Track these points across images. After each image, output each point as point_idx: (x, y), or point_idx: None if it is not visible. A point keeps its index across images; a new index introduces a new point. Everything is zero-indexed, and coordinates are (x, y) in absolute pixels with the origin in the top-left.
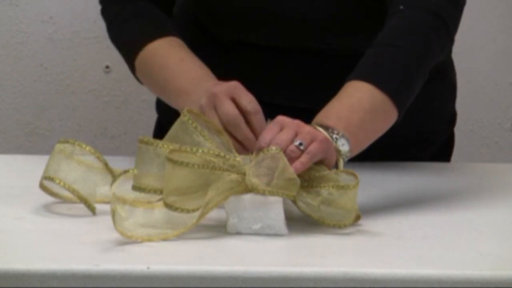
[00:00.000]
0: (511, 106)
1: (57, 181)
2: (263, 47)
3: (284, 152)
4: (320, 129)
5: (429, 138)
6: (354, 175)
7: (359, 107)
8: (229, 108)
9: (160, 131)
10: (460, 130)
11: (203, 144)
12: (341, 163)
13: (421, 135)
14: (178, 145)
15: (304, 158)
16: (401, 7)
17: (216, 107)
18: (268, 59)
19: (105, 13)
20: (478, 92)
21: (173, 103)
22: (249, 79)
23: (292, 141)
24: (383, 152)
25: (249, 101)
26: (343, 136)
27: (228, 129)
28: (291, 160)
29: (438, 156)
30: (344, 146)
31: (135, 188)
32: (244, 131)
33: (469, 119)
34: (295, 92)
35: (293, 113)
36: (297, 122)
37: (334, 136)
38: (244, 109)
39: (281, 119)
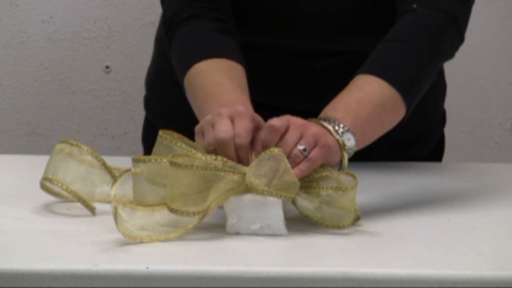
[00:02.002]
0: (511, 106)
1: (55, 182)
2: (271, 49)
3: (288, 155)
4: (326, 123)
5: (427, 136)
6: (353, 176)
7: (368, 101)
8: (223, 128)
9: (150, 129)
10: (460, 130)
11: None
12: (345, 160)
13: (421, 133)
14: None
15: (303, 166)
16: (414, 5)
17: (214, 124)
18: (275, 61)
19: (167, 35)
20: (478, 92)
21: None
22: (257, 81)
23: (296, 144)
24: (384, 151)
25: (238, 133)
26: (349, 130)
27: (216, 148)
28: (293, 164)
29: (434, 154)
30: (350, 141)
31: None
32: (229, 156)
33: (469, 119)
34: (302, 95)
35: (300, 116)
36: (302, 122)
37: (340, 130)
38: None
39: (288, 117)
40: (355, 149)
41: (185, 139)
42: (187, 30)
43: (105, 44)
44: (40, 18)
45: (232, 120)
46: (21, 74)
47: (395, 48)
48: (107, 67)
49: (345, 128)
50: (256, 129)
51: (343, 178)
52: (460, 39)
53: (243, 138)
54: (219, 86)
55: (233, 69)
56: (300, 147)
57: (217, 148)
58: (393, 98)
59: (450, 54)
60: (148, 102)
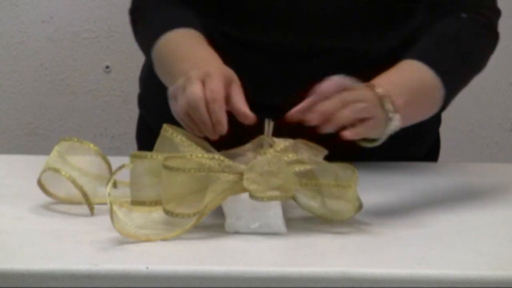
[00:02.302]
0: (511, 106)
1: (63, 172)
2: (269, 48)
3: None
4: (385, 95)
5: (423, 136)
6: (351, 170)
7: (413, 84)
8: (194, 90)
9: (144, 127)
10: (460, 130)
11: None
12: (383, 137)
13: (418, 133)
14: (172, 154)
15: (360, 129)
16: (463, 15)
17: (185, 87)
18: (273, 60)
19: (132, 22)
20: (478, 92)
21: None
22: (254, 80)
23: (338, 109)
24: (383, 151)
25: (211, 88)
26: (398, 111)
27: (189, 111)
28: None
29: (430, 154)
30: (395, 122)
31: (134, 202)
32: (201, 115)
33: (469, 119)
34: (300, 94)
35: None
36: (359, 92)
37: (393, 109)
38: (205, 96)
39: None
40: (396, 130)
41: (189, 135)
42: (150, 13)
43: (105, 44)
44: (40, 18)
45: (203, 82)
46: (21, 74)
47: (445, 39)
48: (107, 67)
49: (397, 107)
50: (230, 85)
51: (342, 172)
52: (494, 49)
53: (215, 92)
54: (190, 47)
55: (197, 35)
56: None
57: (189, 111)
58: (437, 88)
59: (486, 62)
60: (142, 100)
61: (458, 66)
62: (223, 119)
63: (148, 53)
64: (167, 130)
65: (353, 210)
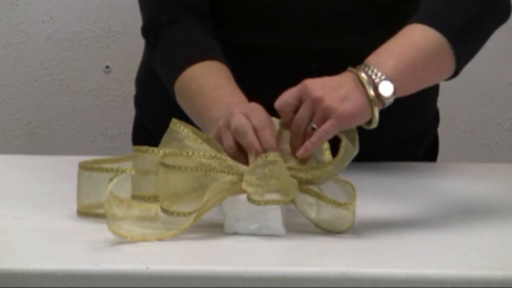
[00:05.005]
0: (511, 106)
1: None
2: (265, 51)
3: (303, 134)
4: (362, 74)
5: (420, 137)
6: (351, 185)
7: (410, 45)
8: (240, 120)
9: (139, 129)
10: (460, 130)
11: (197, 148)
12: (375, 116)
13: (416, 133)
14: (173, 150)
15: (314, 138)
16: None
17: (230, 123)
18: (270, 63)
19: (149, 42)
20: (478, 92)
21: (208, 132)
22: (251, 84)
23: (307, 122)
24: (380, 152)
25: (258, 118)
26: (386, 78)
27: (236, 139)
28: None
29: (428, 155)
30: (387, 90)
31: (135, 197)
32: (249, 138)
33: (469, 119)
34: None
35: None
36: (316, 96)
37: (377, 80)
38: (253, 125)
39: (303, 89)
40: (394, 97)
41: (197, 130)
42: (170, 34)
43: (105, 44)
44: (40, 18)
45: (246, 116)
46: (21, 74)
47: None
48: (107, 67)
49: (382, 77)
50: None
51: (341, 189)
52: (508, 14)
53: (263, 121)
54: (216, 89)
55: (224, 70)
56: (312, 126)
57: (238, 138)
58: (438, 43)
59: (502, 12)
60: (138, 101)
61: (468, 23)
62: (274, 146)
63: (169, 85)
64: (175, 123)
65: (348, 223)
